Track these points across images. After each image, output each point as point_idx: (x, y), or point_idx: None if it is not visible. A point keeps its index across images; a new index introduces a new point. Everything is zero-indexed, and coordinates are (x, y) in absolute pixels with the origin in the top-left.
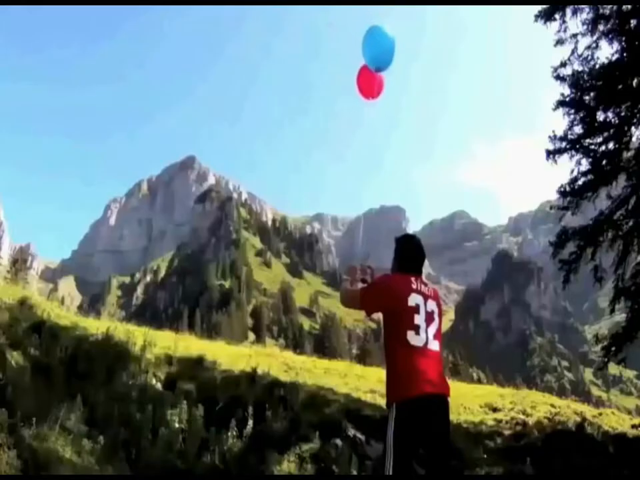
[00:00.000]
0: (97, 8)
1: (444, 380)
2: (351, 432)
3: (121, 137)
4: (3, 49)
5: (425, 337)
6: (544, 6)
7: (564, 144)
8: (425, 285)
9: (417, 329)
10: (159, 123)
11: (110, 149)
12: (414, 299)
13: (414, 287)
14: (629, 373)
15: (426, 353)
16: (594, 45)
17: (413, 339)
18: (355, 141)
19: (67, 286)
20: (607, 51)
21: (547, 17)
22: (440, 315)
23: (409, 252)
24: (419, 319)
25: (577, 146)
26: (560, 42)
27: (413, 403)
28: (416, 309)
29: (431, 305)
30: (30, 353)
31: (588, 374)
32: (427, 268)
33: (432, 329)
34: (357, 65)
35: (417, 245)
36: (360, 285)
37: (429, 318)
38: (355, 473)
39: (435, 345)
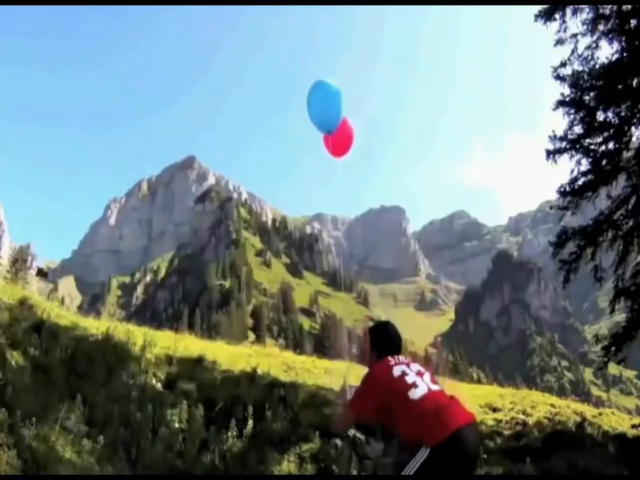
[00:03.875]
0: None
1: (463, 408)
2: (351, 432)
3: (121, 137)
4: (4, 41)
5: (425, 385)
6: (544, 6)
7: (564, 144)
8: (403, 357)
9: (413, 385)
10: (159, 123)
11: (110, 149)
12: (397, 370)
13: (392, 363)
14: (629, 373)
15: (433, 395)
16: (594, 44)
17: (415, 393)
18: (354, 140)
19: (67, 286)
20: (607, 51)
21: (546, 16)
22: (428, 370)
23: (385, 339)
24: (411, 378)
25: (577, 146)
26: (560, 42)
27: (448, 445)
28: (403, 374)
29: (415, 366)
30: (30, 353)
31: (588, 374)
32: (427, 268)
33: (426, 378)
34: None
35: (391, 330)
36: None
37: (419, 373)
38: (355, 472)
39: (436, 387)
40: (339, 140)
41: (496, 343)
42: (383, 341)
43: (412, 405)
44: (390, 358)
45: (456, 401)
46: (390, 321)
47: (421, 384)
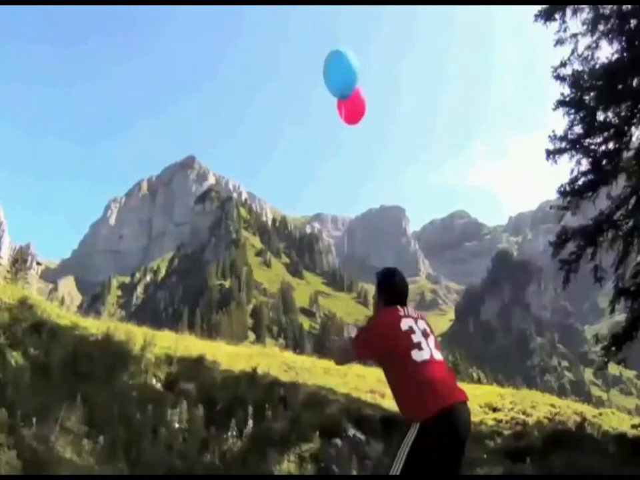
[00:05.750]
0: (96, 6)
1: (458, 386)
2: (351, 432)
3: (120, 137)
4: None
5: (429, 349)
6: (544, 6)
7: (564, 144)
8: (412, 310)
9: (418, 345)
10: (159, 123)
11: (110, 149)
12: (406, 323)
13: (402, 313)
14: (629, 373)
15: (434, 364)
16: (594, 44)
17: (418, 355)
18: (354, 140)
19: (67, 286)
20: (607, 51)
21: (546, 16)
22: (432, 332)
23: (394, 287)
24: (417, 337)
25: (577, 146)
26: (560, 42)
27: (438, 420)
28: (411, 331)
29: (422, 324)
30: (30, 353)
31: (588, 374)
32: (427, 268)
33: (431, 342)
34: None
35: (400, 279)
36: None
37: (425, 334)
38: (355, 472)
39: (439, 355)
40: (353, 106)
41: (496, 343)
42: (389, 287)
43: (412, 367)
44: (400, 308)
45: (453, 376)
46: (398, 270)
47: (425, 347)
